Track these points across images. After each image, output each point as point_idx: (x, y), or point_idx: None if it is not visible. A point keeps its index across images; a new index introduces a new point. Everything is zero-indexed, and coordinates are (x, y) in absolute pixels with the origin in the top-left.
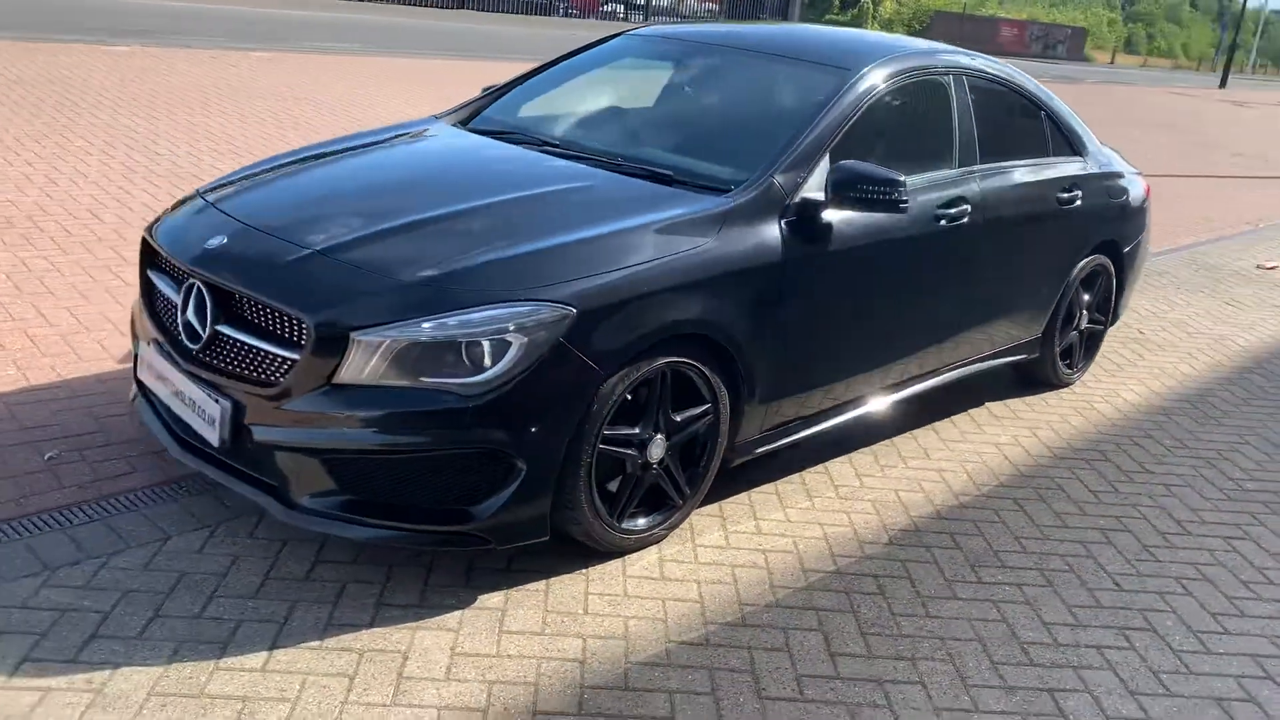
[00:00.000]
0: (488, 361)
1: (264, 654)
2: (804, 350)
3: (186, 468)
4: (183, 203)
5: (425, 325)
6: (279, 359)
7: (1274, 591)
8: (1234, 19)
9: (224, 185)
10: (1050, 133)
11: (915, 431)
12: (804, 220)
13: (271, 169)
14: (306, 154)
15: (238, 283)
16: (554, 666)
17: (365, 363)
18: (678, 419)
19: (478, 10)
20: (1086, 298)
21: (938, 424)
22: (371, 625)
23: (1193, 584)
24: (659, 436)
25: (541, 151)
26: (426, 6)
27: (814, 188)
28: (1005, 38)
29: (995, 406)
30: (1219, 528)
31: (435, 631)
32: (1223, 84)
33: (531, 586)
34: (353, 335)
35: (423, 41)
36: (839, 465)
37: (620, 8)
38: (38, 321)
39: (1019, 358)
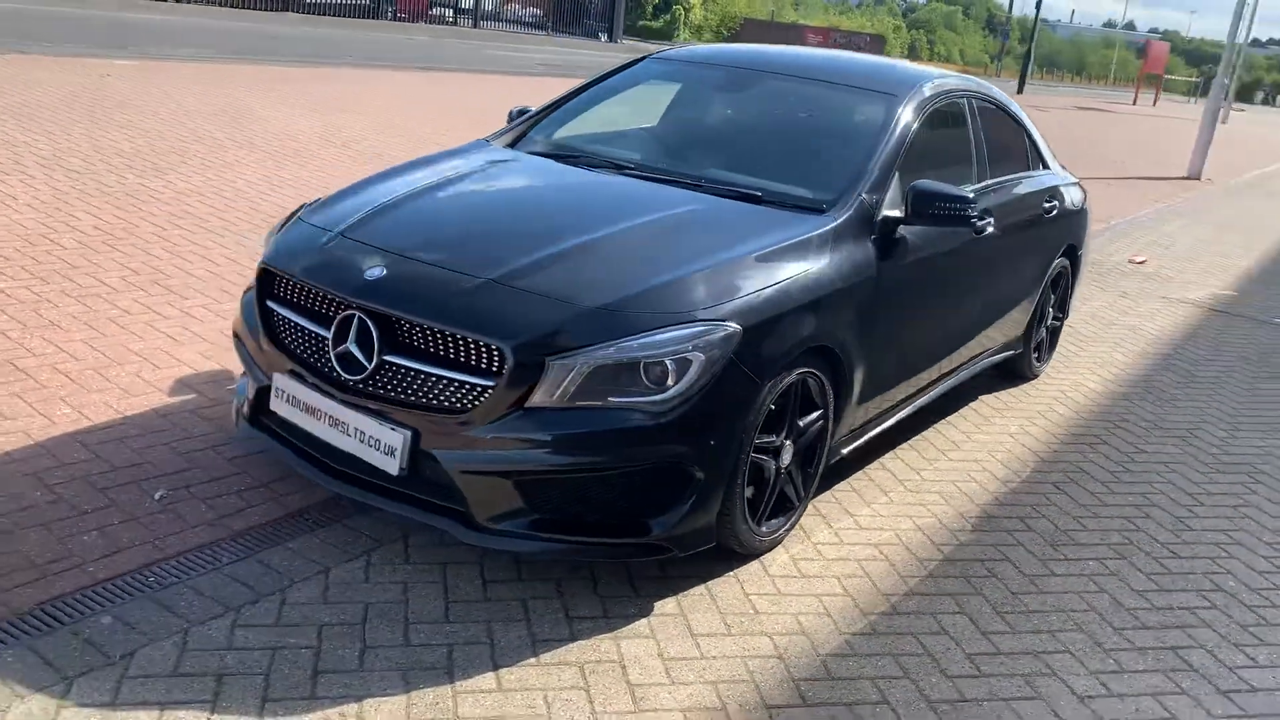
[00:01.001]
0: (670, 380)
1: (491, 675)
2: (885, 355)
3: (308, 497)
4: (292, 231)
5: (612, 349)
6: (468, 386)
7: None
8: (1025, 25)
9: (333, 211)
10: (1029, 147)
11: (938, 426)
12: (885, 235)
13: (384, 196)
14: (401, 179)
15: (418, 314)
16: (759, 664)
17: (558, 386)
18: (800, 424)
19: (301, 14)
20: (1053, 296)
21: (951, 418)
22: (574, 638)
23: (1230, 548)
24: (788, 442)
25: (624, 175)
26: (246, 9)
27: (891, 205)
28: (811, 45)
29: (989, 399)
30: (1223, 498)
31: (635, 639)
32: (1020, 89)
33: (694, 592)
34: (549, 360)
35: (266, 47)
36: (892, 462)
37: (449, 11)
38: (60, 356)
39: (1009, 354)
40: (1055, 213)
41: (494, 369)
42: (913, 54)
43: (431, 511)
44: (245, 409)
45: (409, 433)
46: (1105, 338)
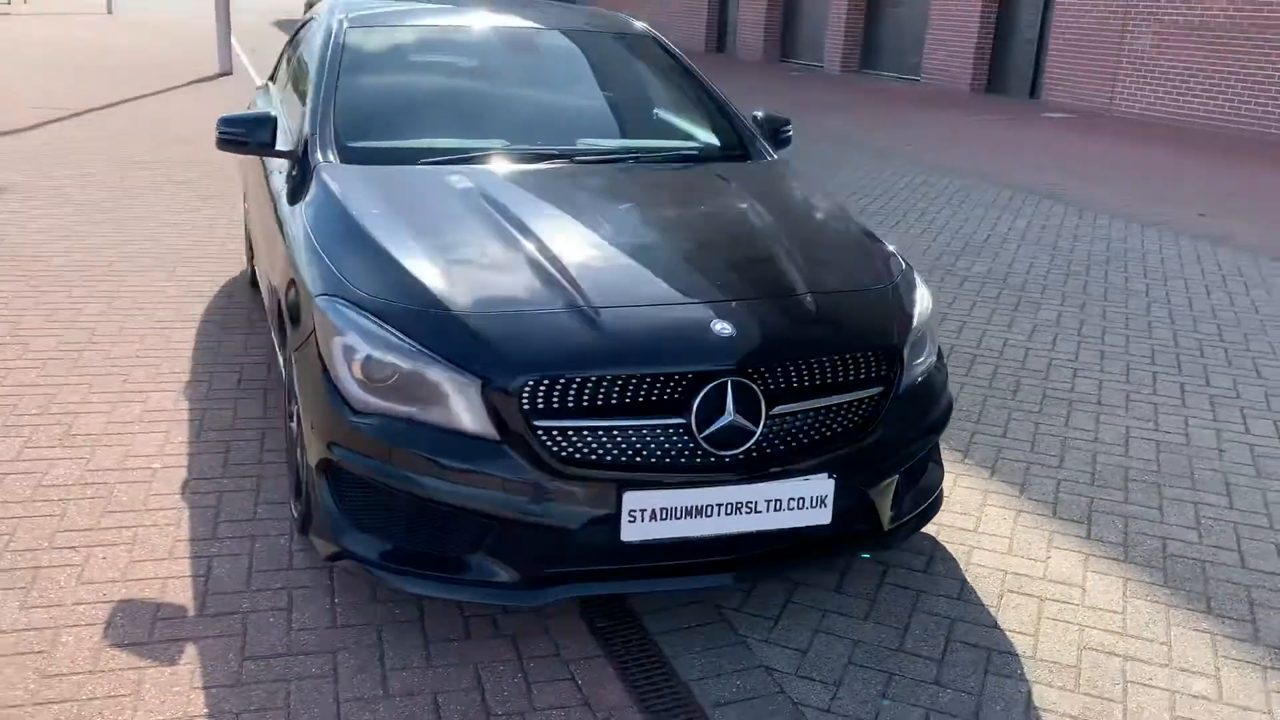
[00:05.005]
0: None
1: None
2: None
3: (580, 645)
4: (501, 329)
5: (918, 319)
6: (860, 401)
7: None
8: None
9: (492, 294)
10: None
11: None
12: None
13: (508, 256)
14: (440, 235)
15: (804, 353)
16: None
17: (905, 368)
18: None
19: None
20: None
21: None
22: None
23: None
24: None
25: (581, 164)
26: None
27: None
28: None
29: None
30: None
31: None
32: (110, 9)
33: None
34: (902, 347)
35: None
36: None
37: None
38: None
39: None
40: None
41: (875, 375)
42: None
43: (852, 543)
44: (513, 576)
45: (832, 474)
46: None
